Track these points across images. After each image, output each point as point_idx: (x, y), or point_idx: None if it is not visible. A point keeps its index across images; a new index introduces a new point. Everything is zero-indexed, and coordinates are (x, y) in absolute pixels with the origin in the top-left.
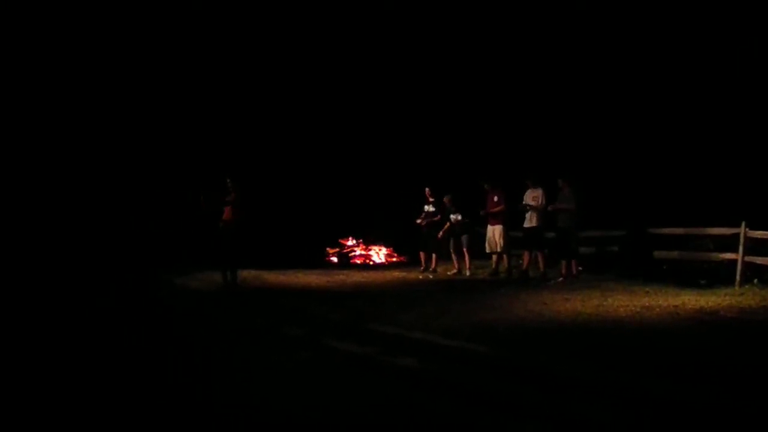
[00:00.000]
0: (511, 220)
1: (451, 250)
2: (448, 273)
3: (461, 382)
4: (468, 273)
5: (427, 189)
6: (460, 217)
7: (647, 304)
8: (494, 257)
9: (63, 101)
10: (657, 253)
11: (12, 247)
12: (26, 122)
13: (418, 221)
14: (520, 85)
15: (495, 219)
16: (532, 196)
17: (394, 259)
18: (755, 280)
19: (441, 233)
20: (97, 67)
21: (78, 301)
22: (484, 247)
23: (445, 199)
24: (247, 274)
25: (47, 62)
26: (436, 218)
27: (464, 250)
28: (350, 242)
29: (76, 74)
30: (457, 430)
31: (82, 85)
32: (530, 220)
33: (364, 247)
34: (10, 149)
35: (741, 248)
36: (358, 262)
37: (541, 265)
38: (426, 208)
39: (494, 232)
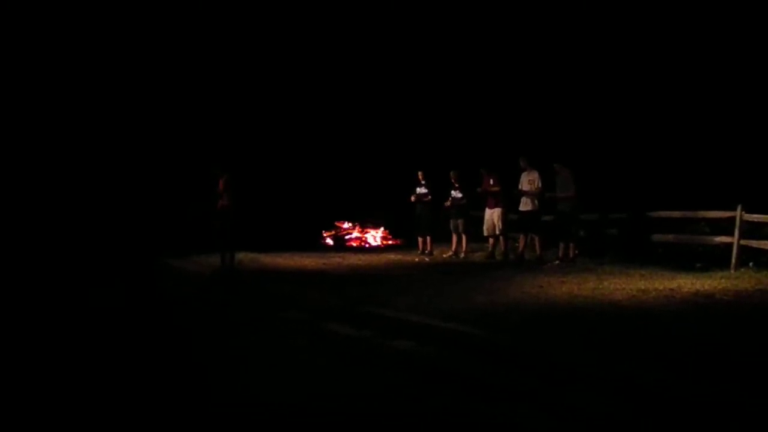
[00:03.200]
0: (509, 202)
1: (452, 231)
2: (444, 256)
3: (457, 367)
4: (463, 255)
5: (420, 173)
6: (459, 195)
7: (643, 287)
8: (491, 240)
9: (63, 97)
10: (653, 237)
11: (14, 233)
12: (26, 117)
13: (411, 199)
14: (517, 69)
15: (494, 202)
16: (528, 179)
17: (390, 242)
18: (751, 264)
19: (447, 205)
20: (97, 65)
21: (76, 285)
22: (482, 230)
23: (452, 174)
24: (243, 256)
25: (47, 62)
26: (426, 198)
27: (461, 233)
28: (346, 225)
29: (76, 72)
30: (452, 415)
31: (81, 82)
32: (526, 204)
33: (359, 229)
34: (11, 141)
35: (737, 231)
36: (354, 244)
37: (537, 248)
38: (417, 189)
39: (493, 215)
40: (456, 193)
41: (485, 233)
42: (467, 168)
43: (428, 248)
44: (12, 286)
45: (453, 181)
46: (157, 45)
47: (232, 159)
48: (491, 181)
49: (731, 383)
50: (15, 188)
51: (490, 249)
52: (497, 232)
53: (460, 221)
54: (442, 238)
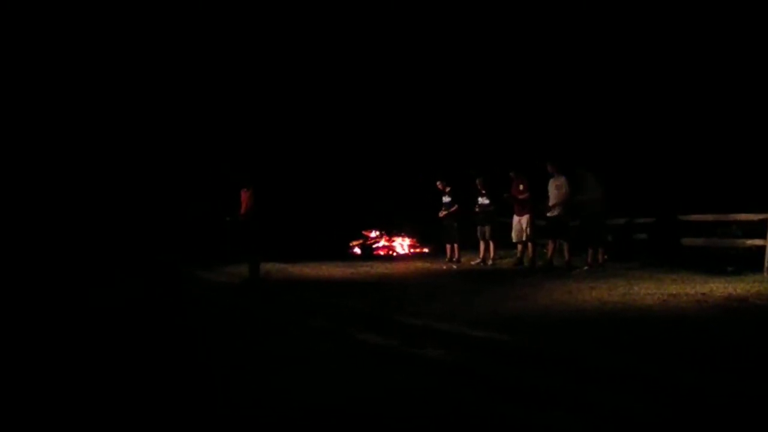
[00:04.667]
0: (537, 209)
1: (479, 238)
2: (472, 263)
3: (488, 373)
4: (491, 262)
5: (438, 183)
6: (487, 202)
7: (674, 291)
8: (519, 246)
9: (69, 100)
10: (684, 240)
11: (49, 241)
12: (27, 119)
13: (440, 215)
14: (545, 73)
15: (522, 208)
16: (555, 185)
17: (418, 250)
18: None
19: (476, 211)
20: (104, 67)
21: (104, 295)
22: (510, 237)
23: (478, 182)
24: (271, 267)
25: (53, 62)
26: (453, 209)
27: (488, 239)
28: (373, 234)
29: (87, 74)
30: (483, 420)
31: (92, 85)
32: (554, 210)
33: (387, 238)
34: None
35: None
36: (382, 253)
37: (566, 254)
38: (444, 199)
39: (521, 221)
40: (483, 200)
41: (513, 239)
42: (494, 172)
43: (455, 256)
44: (21, 287)
45: (479, 187)
46: (176, 49)
47: (258, 171)
48: (521, 187)
49: (764, 384)
50: (22, 192)
51: (518, 255)
52: (525, 239)
53: (487, 228)
54: (469, 245)
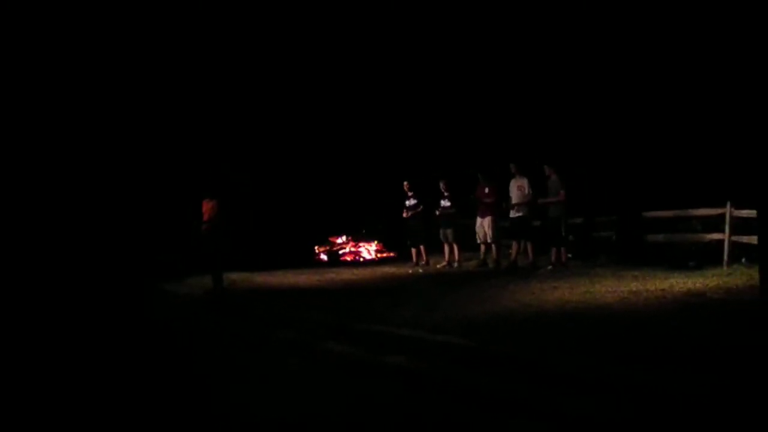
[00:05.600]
0: (499, 210)
1: (442, 240)
2: (438, 266)
3: (451, 379)
4: (456, 265)
5: (405, 183)
6: (448, 204)
7: (635, 288)
8: (482, 248)
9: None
10: (645, 237)
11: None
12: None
13: (404, 215)
14: (505, 73)
15: (485, 211)
16: (517, 185)
17: (384, 255)
18: (743, 259)
19: (437, 214)
20: (104, 67)
21: (66, 309)
22: (473, 239)
23: (441, 183)
24: (236, 276)
25: (53, 63)
26: (418, 210)
27: (451, 242)
28: (339, 240)
29: (87, 74)
30: (447, 428)
31: (92, 85)
32: (517, 210)
33: (353, 244)
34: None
35: (727, 228)
36: (348, 259)
37: (530, 254)
38: (407, 202)
39: (483, 223)
40: (445, 202)
41: (478, 240)
42: (457, 174)
43: (423, 258)
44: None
45: (442, 189)
46: (150, 61)
47: (221, 184)
48: (486, 190)
49: (721, 379)
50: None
51: (482, 257)
52: (489, 240)
53: (449, 231)
54: (435, 248)
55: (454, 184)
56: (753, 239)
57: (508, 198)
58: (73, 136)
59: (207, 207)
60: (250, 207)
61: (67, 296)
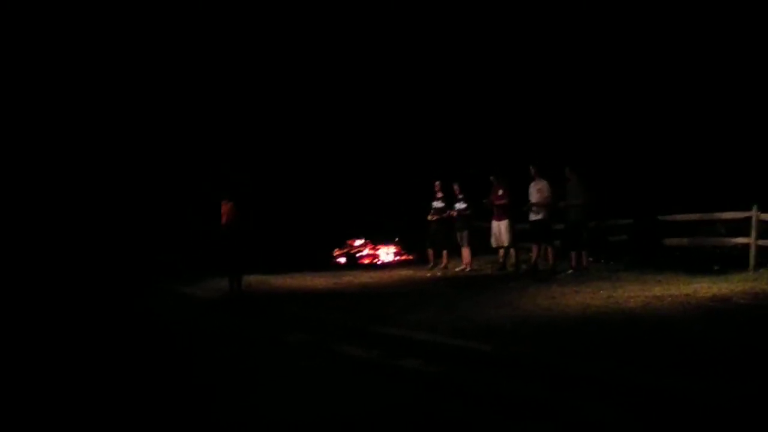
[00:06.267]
0: (517, 213)
1: (459, 243)
2: (456, 270)
3: (467, 383)
4: (468, 269)
5: (436, 183)
6: (464, 206)
7: (658, 293)
8: (501, 251)
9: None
10: (669, 241)
11: (15, 254)
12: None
13: (429, 218)
14: (526, 75)
15: (500, 214)
16: (536, 188)
17: (402, 258)
18: None
19: (453, 215)
20: (104, 68)
21: (78, 312)
22: (490, 242)
23: (455, 186)
24: (253, 279)
25: (53, 64)
26: (445, 215)
27: (467, 245)
28: (357, 242)
29: (87, 75)
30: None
31: (92, 85)
32: (537, 213)
33: (371, 246)
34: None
35: (753, 232)
36: (366, 262)
37: (550, 258)
38: (434, 204)
39: (499, 227)
40: (460, 204)
41: (493, 245)
42: (478, 176)
43: (443, 262)
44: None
45: (456, 192)
46: (163, 65)
47: (238, 185)
48: (500, 192)
49: (748, 386)
50: (19, 200)
51: (500, 261)
52: (505, 244)
53: (464, 233)
54: (453, 251)
55: (469, 188)
56: None
57: (528, 201)
58: (73, 136)
59: (225, 209)
60: (250, 207)
61: (76, 299)
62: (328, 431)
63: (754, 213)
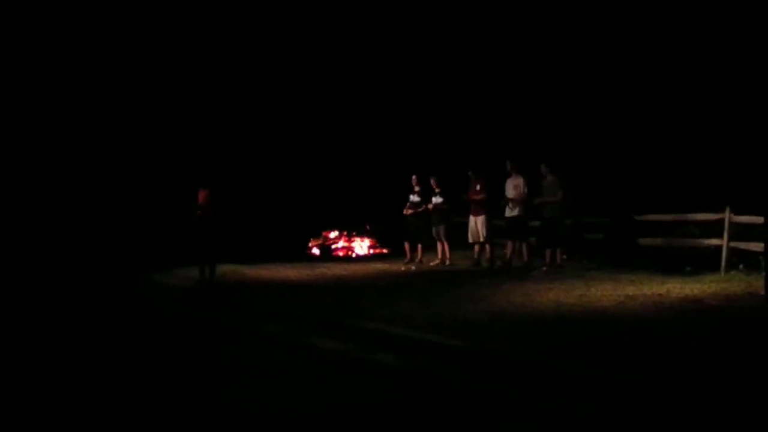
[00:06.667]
0: (494, 209)
1: (435, 238)
2: (431, 264)
3: (440, 379)
4: (447, 263)
5: (413, 177)
6: (440, 200)
7: (631, 293)
8: (476, 247)
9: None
10: (642, 240)
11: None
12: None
13: (405, 212)
14: (505, 71)
15: (477, 209)
16: (513, 185)
17: (377, 251)
18: (741, 266)
19: (429, 208)
20: (104, 68)
21: (51, 301)
22: (467, 237)
23: (432, 180)
24: (226, 269)
25: (52, 63)
26: (421, 209)
27: (443, 239)
28: (332, 234)
29: (76, 75)
30: (436, 428)
31: (78, 87)
32: (512, 210)
33: (346, 239)
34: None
35: (726, 234)
36: (341, 254)
37: (525, 254)
38: (411, 197)
39: (476, 222)
40: (437, 199)
41: (470, 240)
42: (456, 171)
43: (419, 256)
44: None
45: (433, 186)
46: (145, 58)
47: (215, 173)
48: (477, 187)
49: (716, 386)
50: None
51: (475, 256)
52: (481, 239)
53: (441, 228)
54: (431, 245)
55: (447, 182)
56: (751, 245)
57: (504, 196)
58: (72, 136)
59: (201, 197)
60: (251, 206)
61: (51, 288)
62: (303, 425)
63: (726, 215)
